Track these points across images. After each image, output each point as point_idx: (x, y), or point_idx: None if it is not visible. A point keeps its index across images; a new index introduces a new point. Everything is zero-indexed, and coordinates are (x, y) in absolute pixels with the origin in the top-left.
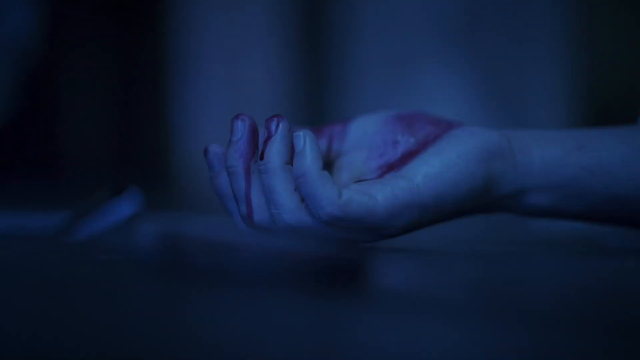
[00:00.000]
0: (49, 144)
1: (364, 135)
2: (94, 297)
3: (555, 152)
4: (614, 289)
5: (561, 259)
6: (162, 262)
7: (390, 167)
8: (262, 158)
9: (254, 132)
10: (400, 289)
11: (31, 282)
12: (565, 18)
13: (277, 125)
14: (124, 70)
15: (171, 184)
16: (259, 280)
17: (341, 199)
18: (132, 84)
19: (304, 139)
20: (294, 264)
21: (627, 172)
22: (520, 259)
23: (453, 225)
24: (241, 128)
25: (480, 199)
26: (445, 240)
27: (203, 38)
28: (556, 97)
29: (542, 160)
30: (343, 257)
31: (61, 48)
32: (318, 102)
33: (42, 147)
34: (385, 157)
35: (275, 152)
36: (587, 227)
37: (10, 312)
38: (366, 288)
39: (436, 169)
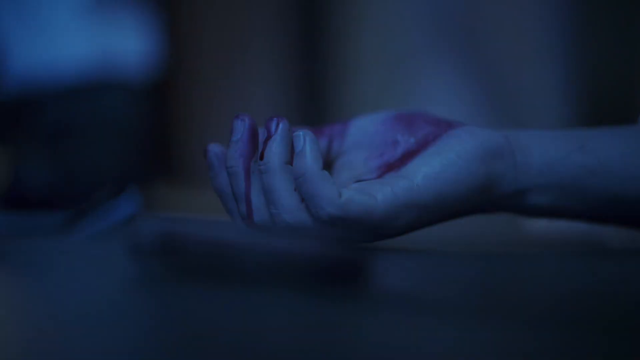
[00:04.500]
0: None
1: (364, 135)
2: (94, 297)
3: (555, 152)
4: (614, 289)
5: (561, 259)
6: (162, 262)
7: (390, 167)
8: (262, 158)
9: (254, 132)
10: (400, 289)
11: (32, 280)
12: (564, 18)
13: (277, 126)
14: None
15: (171, 184)
16: (259, 280)
17: (341, 199)
18: None
19: (304, 139)
20: (294, 264)
21: (627, 172)
22: (520, 259)
23: (453, 225)
24: (241, 128)
25: (480, 199)
26: (445, 240)
27: (204, 39)
28: (556, 97)
29: (542, 160)
30: (343, 257)
31: None
32: (318, 102)
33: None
34: (385, 157)
35: (275, 152)
36: (587, 227)
37: (15, 312)
38: (366, 288)
39: (436, 169)
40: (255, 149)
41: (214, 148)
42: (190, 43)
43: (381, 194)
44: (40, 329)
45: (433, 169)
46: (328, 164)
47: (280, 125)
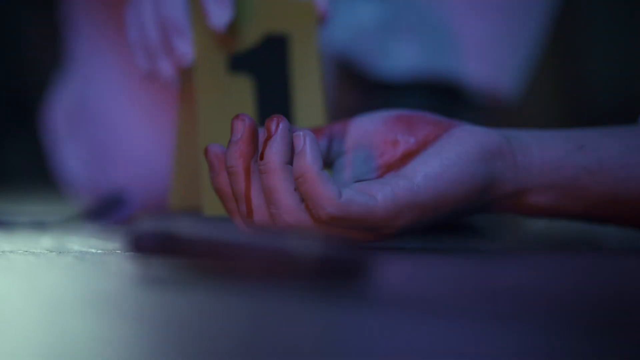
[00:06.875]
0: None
1: (364, 135)
2: (93, 297)
3: (555, 152)
4: (614, 289)
5: (561, 258)
6: (162, 262)
7: (390, 167)
8: (262, 158)
9: (253, 132)
10: (400, 289)
11: (31, 280)
12: (563, 17)
13: (277, 125)
14: None
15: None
16: (259, 280)
17: (341, 199)
18: None
19: (304, 139)
20: (294, 264)
21: (626, 172)
22: (520, 259)
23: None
24: (241, 128)
25: (480, 199)
26: (445, 240)
27: None
28: (554, 97)
29: (542, 160)
30: (343, 257)
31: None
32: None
33: (41, 147)
34: (385, 157)
35: (275, 152)
36: (587, 227)
37: (13, 315)
38: (366, 288)
39: (436, 169)
40: (255, 149)
41: (214, 148)
42: None
43: (381, 194)
44: (40, 329)
45: (433, 169)
46: (328, 164)
47: (280, 125)
